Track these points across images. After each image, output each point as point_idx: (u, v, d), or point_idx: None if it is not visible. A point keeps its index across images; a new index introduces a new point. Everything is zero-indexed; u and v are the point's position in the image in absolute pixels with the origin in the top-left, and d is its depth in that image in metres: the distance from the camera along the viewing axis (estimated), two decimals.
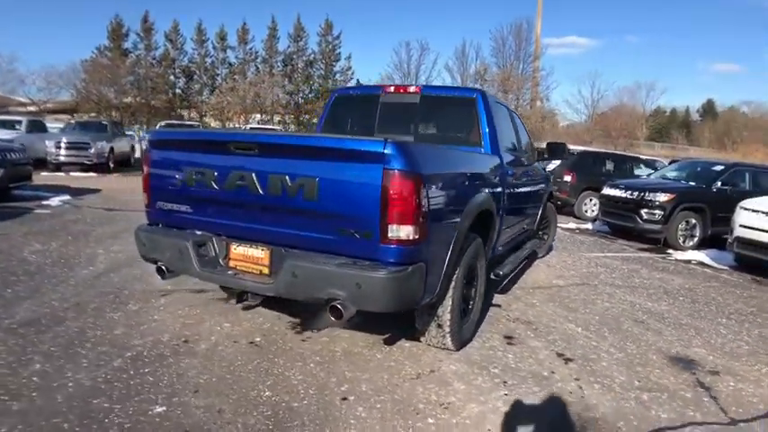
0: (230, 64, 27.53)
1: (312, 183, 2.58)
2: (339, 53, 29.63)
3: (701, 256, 7.89)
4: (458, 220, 3.05)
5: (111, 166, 14.31)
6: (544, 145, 6.18)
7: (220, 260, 3.01)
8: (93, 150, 13.25)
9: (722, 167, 8.93)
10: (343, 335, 3.60)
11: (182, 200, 3.05)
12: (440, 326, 3.24)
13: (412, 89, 4.50)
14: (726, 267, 7.16)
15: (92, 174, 13.55)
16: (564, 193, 11.76)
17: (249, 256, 2.91)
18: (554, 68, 58.97)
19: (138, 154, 18.04)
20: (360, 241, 2.55)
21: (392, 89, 4.56)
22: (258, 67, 27.67)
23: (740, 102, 59.58)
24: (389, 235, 2.49)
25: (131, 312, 3.79)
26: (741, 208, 6.75)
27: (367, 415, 2.61)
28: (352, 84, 29.42)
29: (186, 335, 3.45)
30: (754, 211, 6.50)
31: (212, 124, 23.01)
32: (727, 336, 4.25)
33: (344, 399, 2.76)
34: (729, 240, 6.93)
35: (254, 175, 2.73)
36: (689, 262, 7.53)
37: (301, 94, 28.26)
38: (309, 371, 3.05)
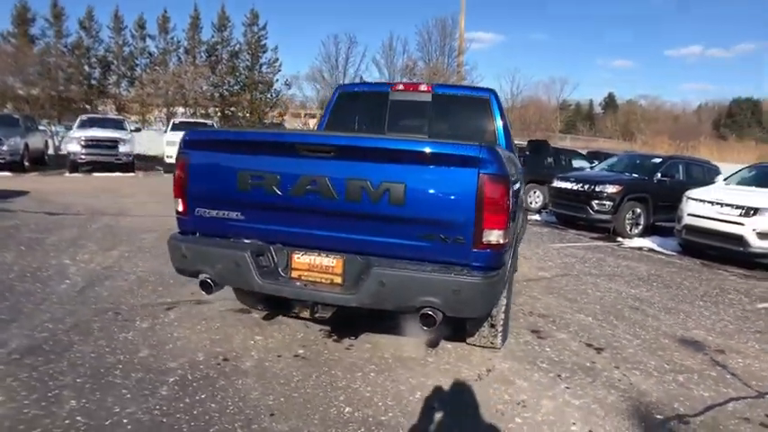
0: (150, 54, 25.56)
1: (399, 188, 2.46)
2: (265, 44, 28.64)
3: (648, 243, 8.62)
4: (516, 220, 3.08)
5: (27, 164, 12.77)
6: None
7: (280, 271, 2.79)
8: (5, 147, 11.74)
9: (660, 160, 9.81)
10: (381, 341, 3.50)
11: (231, 206, 2.78)
12: (493, 326, 3.25)
13: (423, 87, 4.45)
14: (674, 253, 7.89)
15: (5, 173, 11.99)
16: None
17: (317, 266, 2.73)
18: (477, 63, 61.15)
19: (51, 150, 16.25)
20: (450, 246, 2.49)
21: (401, 87, 4.48)
22: (181, 58, 25.99)
23: (638, 95, 65.79)
24: (483, 239, 2.45)
25: (145, 331, 3.41)
26: (688, 198, 7.46)
27: (453, 421, 2.57)
28: (278, 76, 28.56)
29: (221, 352, 3.17)
30: (700, 200, 7.21)
31: (131, 118, 21.23)
32: (710, 317, 4.69)
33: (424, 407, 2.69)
34: (678, 228, 7.64)
35: (327, 179, 2.55)
36: (641, 249, 8.21)
37: (226, 86, 26.99)
38: (373, 381, 2.94)
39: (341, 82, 29.72)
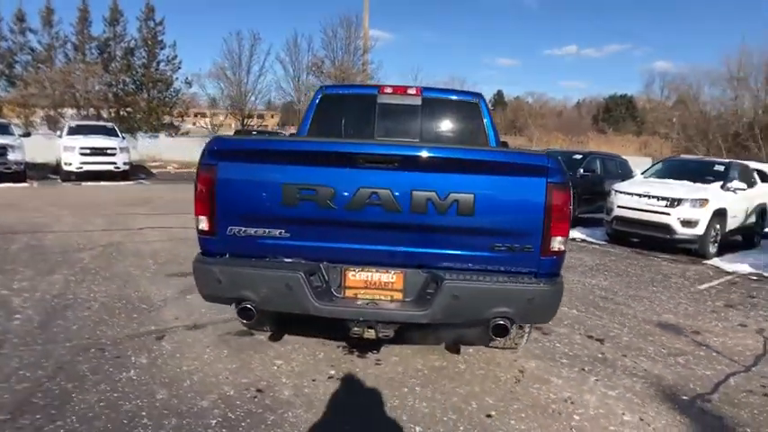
0: (32, 50, 22.41)
1: (468, 198, 2.40)
2: (163, 40, 26.58)
3: (578, 234, 9.33)
4: None
5: None
6: None
7: (333, 290, 2.58)
8: None
9: (581, 156, 10.65)
10: (405, 352, 3.41)
11: (274, 223, 2.51)
12: (521, 327, 3.30)
13: (411, 91, 4.39)
14: (604, 242, 8.62)
15: None
16: None
17: (374, 282, 2.57)
18: (383, 62, 61.88)
19: None
20: (518, 255, 2.48)
21: (390, 90, 4.38)
22: (68, 55, 23.16)
23: (525, 93, 70.85)
24: (551, 247, 2.48)
25: (147, 367, 2.99)
26: (616, 191, 8.19)
27: (526, 426, 2.57)
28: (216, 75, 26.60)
29: (249, 383, 2.88)
30: (629, 193, 7.96)
31: (14, 121, 18.45)
32: (669, 301, 5.19)
33: (489, 416, 2.66)
34: (608, 219, 8.36)
35: (391, 191, 2.41)
36: (574, 240, 8.86)
37: (121, 85, 24.66)
38: (423, 395, 2.84)
39: (245, 80, 28.60)
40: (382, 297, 2.57)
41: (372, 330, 2.53)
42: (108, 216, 8.09)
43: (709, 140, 37.35)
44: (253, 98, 28.58)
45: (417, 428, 2.50)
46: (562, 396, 2.94)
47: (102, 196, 10.67)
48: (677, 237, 7.36)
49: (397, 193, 2.41)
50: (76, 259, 5.37)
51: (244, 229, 2.53)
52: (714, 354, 3.76)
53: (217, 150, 2.52)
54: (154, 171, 17.52)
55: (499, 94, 66.35)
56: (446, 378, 3.08)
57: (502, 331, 2.48)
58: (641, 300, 5.16)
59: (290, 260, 2.58)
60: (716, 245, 7.60)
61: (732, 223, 7.90)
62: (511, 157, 2.50)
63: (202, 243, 2.65)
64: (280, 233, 2.53)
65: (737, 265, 7.03)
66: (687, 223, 7.29)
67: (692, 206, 7.38)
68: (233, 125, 28.56)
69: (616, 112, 55.89)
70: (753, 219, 8.55)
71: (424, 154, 2.45)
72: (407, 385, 2.96)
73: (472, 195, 2.40)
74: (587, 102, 63.72)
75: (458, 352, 3.48)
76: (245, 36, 28.38)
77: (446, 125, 4.39)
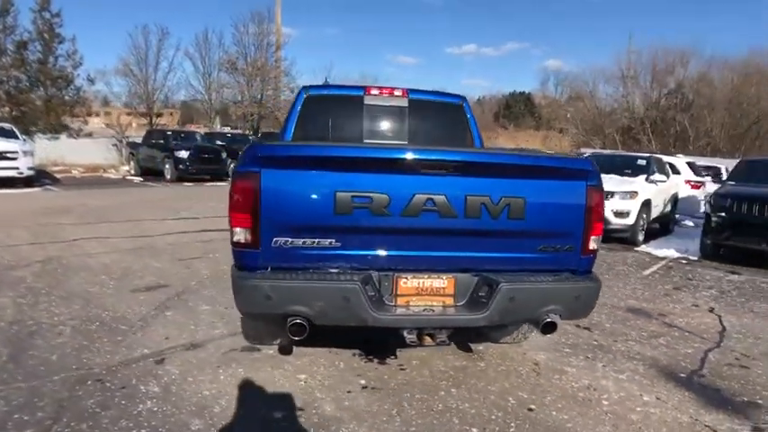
0: None
1: (519, 202, 2.46)
2: (60, 33, 24.06)
3: None
4: None
5: None
6: None
7: (385, 298, 2.51)
8: None
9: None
10: (421, 354, 3.40)
11: (325, 233, 2.39)
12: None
13: (398, 92, 4.38)
14: None
15: None
16: None
17: (426, 288, 2.54)
18: (296, 59, 60.50)
19: None
20: (562, 255, 2.59)
21: (376, 91, 4.34)
22: None
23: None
24: (589, 246, 2.61)
25: (164, 396, 2.72)
26: None
27: (568, 416, 2.69)
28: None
29: (283, 402, 2.72)
30: None
31: None
32: (625, 288, 5.65)
33: (530, 410, 2.75)
34: None
35: (446, 197, 2.40)
36: None
37: (13, 82, 21.98)
38: (461, 396, 2.87)
39: (153, 77, 26.78)
40: (434, 303, 2.55)
41: (430, 337, 2.51)
42: (29, 228, 7.19)
43: (604, 135, 40.98)
44: (162, 96, 26.80)
45: (474, 430, 2.53)
46: (583, 384, 3.11)
47: (10, 206, 9.43)
48: (611, 227, 8.02)
49: (452, 199, 2.41)
50: (15, 278, 4.72)
51: (291, 240, 2.38)
52: (686, 333, 4.17)
53: (261, 157, 2.35)
54: (58, 176, 15.80)
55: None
56: (473, 377, 3.13)
57: (551, 328, 2.58)
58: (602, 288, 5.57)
59: (335, 270, 2.48)
60: (643, 233, 8.42)
61: (654, 212, 8.79)
62: (557, 161, 2.62)
63: (240, 256, 2.45)
64: (330, 243, 2.41)
65: (665, 250, 7.84)
66: (620, 214, 8.00)
67: (622, 198, 8.10)
68: (134, 125, 26.62)
69: (516, 109, 58.90)
70: (669, 208, 9.58)
71: (479, 159, 2.47)
72: (441, 388, 2.97)
73: (523, 199, 2.47)
74: (488, 99, 66.90)
75: (470, 350, 3.55)
76: (152, 30, 26.51)
77: (433, 127, 4.44)
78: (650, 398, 2.97)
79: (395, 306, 2.52)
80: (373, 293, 2.45)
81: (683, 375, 3.32)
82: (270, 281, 2.37)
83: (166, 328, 3.70)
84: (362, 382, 3.00)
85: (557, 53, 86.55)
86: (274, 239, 2.38)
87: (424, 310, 2.52)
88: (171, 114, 38.56)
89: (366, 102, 4.29)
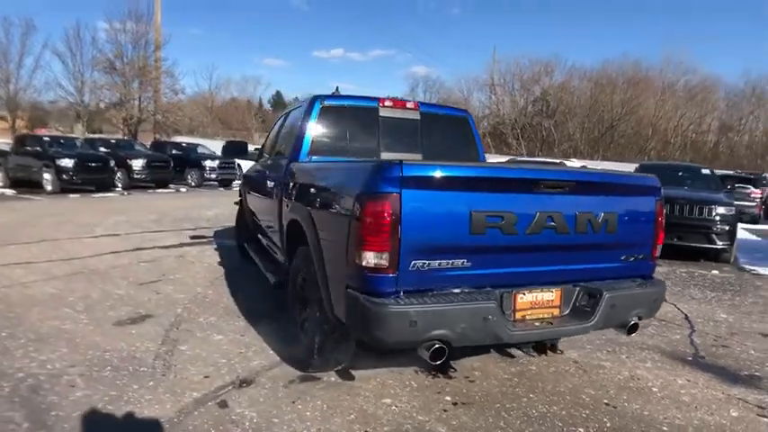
0: None
1: (614, 217, 2.69)
2: None
3: None
4: None
5: None
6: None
7: (507, 314, 2.54)
8: None
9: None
10: (473, 363, 3.50)
11: (458, 253, 2.36)
12: None
13: (410, 105, 4.41)
14: None
15: None
16: None
17: (539, 302, 2.62)
18: (178, 60, 55.72)
19: None
20: (637, 263, 2.89)
21: (390, 103, 4.33)
22: None
23: (305, 94, 72.47)
24: (655, 253, 2.94)
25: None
26: None
27: (639, 406, 2.98)
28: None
29: (392, 429, 2.61)
30: None
31: None
32: None
33: (607, 404, 2.98)
34: None
35: (562, 214, 2.53)
36: None
37: None
38: (542, 400, 3.01)
39: (14, 75, 23.14)
40: (545, 315, 2.66)
41: (551, 348, 2.63)
42: None
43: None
44: (25, 96, 23.33)
45: (581, 430, 2.69)
46: (626, 375, 3.45)
47: None
48: None
49: (566, 216, 2.55)
50: None
51: (427, 262, 2.32)
52: (663, 322, 4.78)
53: (402, 177, 2.25)
54: None
55: (278, 94, 65.11)
56: (537, 380, 3.29)
57: (635, 329, 2.85)
58: None
59: (467, 290, 2.47)
60: None
61: None
62: (639, 180, 2.91)
63: (373, 282, 2.31)
64: (462, 263, 2.39)
65: None
66: None
67: None
68: None
69: None
70: None
71: (588, 179, 2.66)
72: (520, 395, 3.08)
73: (615, 214, 2.70)
74: None
75: (510, 356, 3.72)
76: (14, 23, 22.89)
77: (443, 139, 4.54)
78: (683, 381, 3.41)
79: (514, 321, 2.58)
80: (504, 311, 2.49)
81: (690, 359, 3.85)
82: (416, 306, 2.27)
83: (195, 365, 3.30)
84: (448, 398, 3.00)
85: (422, 60, 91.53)
86: (412, 263, 2.30)
87: (541, 323, 2.62)
88: (17, 120, 33.11)
89: (381, 114, 4.25)
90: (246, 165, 21.70)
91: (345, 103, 4.22)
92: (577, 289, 2.73)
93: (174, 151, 18.57)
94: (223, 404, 2.81)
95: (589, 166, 12.55)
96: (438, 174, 2.31)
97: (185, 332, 3.87)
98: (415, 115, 4.38)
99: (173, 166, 16.63)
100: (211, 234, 8.34)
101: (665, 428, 2.77)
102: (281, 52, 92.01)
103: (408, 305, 2.27)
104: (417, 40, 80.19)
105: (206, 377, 3.13)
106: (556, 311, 2.71)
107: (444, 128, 4.56)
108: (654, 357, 3.82)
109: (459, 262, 2.39)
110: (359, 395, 2.99)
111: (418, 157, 4.36)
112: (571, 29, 69.62)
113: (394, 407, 2.87)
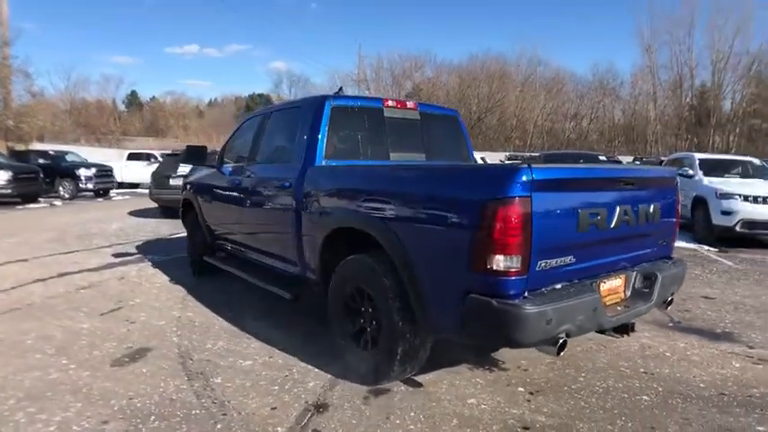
0: None
1: (656, 207, 3.06)
2: None
3: None
4: None
5: None
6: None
7: None
8: None
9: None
10: (512, 355, 3.66)
11: (568, 251, 2.49)
12: None
13: (410, 104, 4.41)
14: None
15: None
16: None
17: (612, 288, 2.84)
18: (31, 57, 46.88)
19: None
20: (664, 246, 3.31)
21: (393, 103, 4.28)
22: None
23: (164, 93, 67.06)
24: (675, 239, 3.39)
25: None
26: (731, 194, 8.65)
27: (677, 370, 3.39)
28: None
29: (510, 427, 2.66)
30: (750, 196, 8.48)
31: None
32: None
33: (647, 373, 3.35)
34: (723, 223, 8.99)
35: (631, 207, 2.81)
36: None
37: None
38: (635, 387, 3.26)
39: None
40: (616, 300, 2.90)
41: (631, 329, 2.90)
42: None
43: None
44: None
45: (645, 397, 3.00)
46: (638, 346, 3.88)
47: None
48: None
49: (634, 210, 2.84)
50: None
51: (547, 261, 2.41)
52: None
53: (531, 181, 2.29)
54: None
55: (133, 95, 59.22)
56: (573, 361, 3.55)
57: (671, 304, 3.26)
58: None
59: (559, 285, 2.59)
60: None
61: None
62: (668, 173, 3.31)
63: (503, 285, 2.32)
64: (570, 260, 2.52)
65: None
66: None
67: None
68: None
69: (255, 109, 59.19)
70: None
71: (647, 175, 3.02)
72: (570, 375, 3.32)
73: (658, 204, 3.07)
74: (221, 101, 65.55)
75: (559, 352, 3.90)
76: None
77: (440, 138, 4.64)
78: (683, 344, 3.94)
79: (605, 308, 2.78)
80: None
81: (671, 325, 4.45)
82: (549, 305, 2.34)
83: (249, 398, 2.98)
84: (521, 389, 3.12)
85: (284, 56, 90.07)
86: (539, 263, 2.37)
87: (621, 308, 2.85)
88: None
89: (386, 114, 4.20)
90: (133, 171, 19.60)
91: (353, 103, 4.08)
92: (635, 273, 3.03)
93: (40, 160, 16.02)
94: (313, 424, 2.61)
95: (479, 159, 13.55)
96: (558, 176, 2.41)
97: (205, 363, 3.47)
98: (416, 115, 4.40)
99: (42, 178, 14.34)
100: (134, 250, 7.44)
101: (702, 385, 3.21)
102: (130, 49, 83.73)
103: (543, 304, 2.34)
104: (277, 35, 78.36)
105: (273, 408, 2.86)
106: (622, 296, 2.97)
107: (440, 127, 4.64)
108: (645, 328, 4.34)
109: (567, 259, 2.52)
110: (441, 400, 2.98)
111: (422, 156, 4.40)
112: (439, 25, 73.78)
113: (483, 405, 2.92)
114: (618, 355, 3.67)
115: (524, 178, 2.29)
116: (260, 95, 61.99)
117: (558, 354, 2.47)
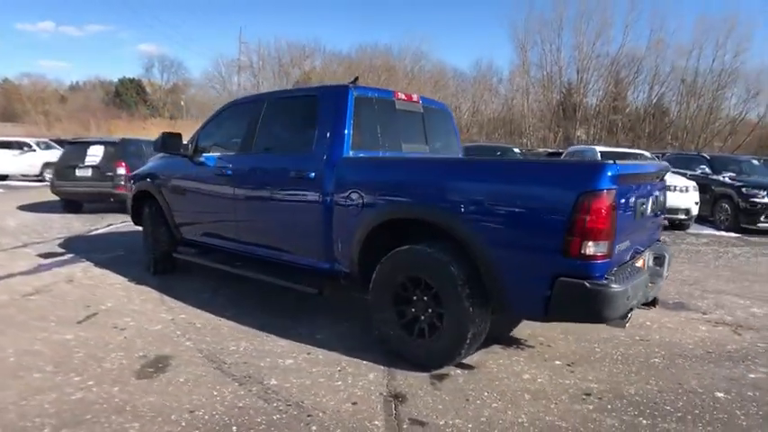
0: None
1: (663, 196, 3.57)
2: None
3: None
4: None
5: None
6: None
7: None
8: None
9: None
10: (522, 334, 4.01)
11: (628, 236, 2.85)
12: None
13: (414, 97, 4.49)
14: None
15: None
16: (120, 188, 10.05)
17: (639, 267, 3.27)
18: None
19: None
20: (657, 230, 3.85)
21: (402, 96, 4.33)
22: None
23: (19, 74, 58.10)
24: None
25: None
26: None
27: (665, 335, 3.98)
28: None
29: (610, 397, 2.94)
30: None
31: None
32: None
33: (643, 340, 3.89)
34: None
35: (656, 197, 3.32)
36: None
37: None
38: (684, 368, 3.73)
39: None
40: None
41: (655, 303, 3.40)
42: None
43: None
44: None
45: (656, 360, 3.50)
46: (647, 318, 4.45)
47: None
48: None
49: (658, 198, 3.33)
50: None
51: (620, 245, 2.75)
52: None
53: (616, 175, 2.60)
54: None
55: None
56: (582, 333, 4.00)
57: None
58: None
59: (616, 267, 2.94)
60: None
61: None
62: (665, 166, 3.82)
63: (595, 268, 2.61)
64: (627, 244, 2.90)
65: None
66: None
67: None
68: None
69: (127, 96, 54.47)
70: None
71: (659, 169, 3.47)
72: (593, 348, 3.73)
73: (663, 194, 3.61)
74: (84, 85, 58.87)
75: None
76: None
77: (438, 131, 4.79)
78: (653, 315, 4.57)
79: None
80: None
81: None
82: (627, 283, 2.67)
83: (320, 396, 2.89)
84: (558, 362, 3.42)
85: (151, 38, 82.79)
86: (616, 248, 2.68)
87: (650, 283, 3.28)
88: None
89: (397, 107, 4.26)
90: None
91: (371, 94, 4.06)
92: (648, 254, 3.50)
93: None
94: (415, 422, 2.66)
95: None
96: (630, 171, 2.76)
97: (243, 365, 3.27)
98: (419, 109, 4.50)
99: None
100: (60, 249, 6.55)
101: (690, 347, 3.82)
102: None
103: (623, 283, 2.67)
104: (145, 14, 71.38)
105: (354, 404, 2.82)
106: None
107: (437, 120, 4.79)
108: (668, 312, 4.84)
109: (627, 243, 2.90)
110: (501, 378, 3.17)
111: (426, 149, 4.53)
112: (328, 14, 72.89)
113: (539, 379, 3.17)
114: (610, 328, 4.17)
115: (610, 173, 2.58)
116: (131, 80, 56.32)
117: (626, 322, 2.83)
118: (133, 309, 4.32)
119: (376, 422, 2.63)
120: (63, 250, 6.46)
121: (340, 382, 3.06)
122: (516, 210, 2.81)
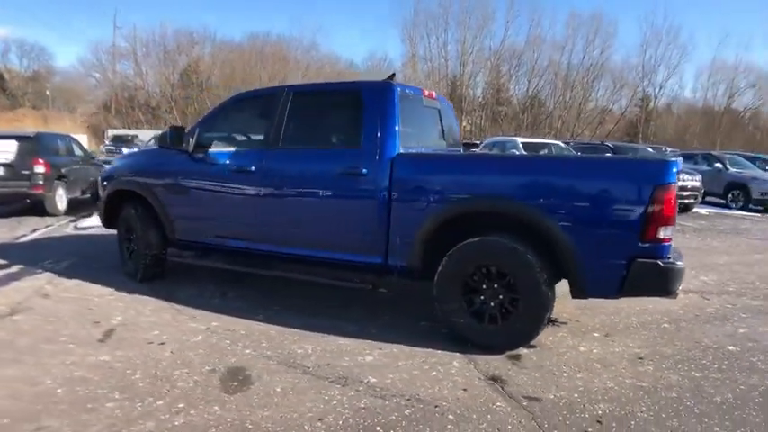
0: None
1: None
2: None
3: None
4: None
5: None
6: None
7: None
8: None
9: None
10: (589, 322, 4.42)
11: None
12: None
13: (434, 94, 4.64)
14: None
15: None
16: (38, 188, 8.80)
17: None
18: None
19: None
20: None
21: (427, 93, 4.46)
22: None
23: None
24: None
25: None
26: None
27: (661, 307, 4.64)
28: None
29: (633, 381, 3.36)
30: None
31: None
32: None
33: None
34: None
35: None
36: None
37: None
38: (638, 318, 4.28)
39: None
40: None
41: None
42: None
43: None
44: None
45: (682, 322, 4.11)
46: None
47: None
48: None
49: None
50: None
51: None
52: None
53: (677, 170, 3.09)
54: None
55: None
56: (598, 311, 4.51)
57: None
58: None
59: None
60: None
61: None
62: None
63: (665, 250, 3.08)
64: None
65: None
66: None
67: None
68: None
69: None
70: None
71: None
72: (624, 322, 4.25)
73: None
74: None
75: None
76: None
77: (450, 126, 5.00)
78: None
79: None
80: None
81: None
82: (682, 261, 3.17)
83: (432, 387, 2.99)
84: (596, 334, 3.87)
85: (4, 19, 71.69)
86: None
87: None
88: None
89: (424, 104, 4.39)
90: None
91: (412, 91, 4.14)
92: None
93: None
94: (531, 399, 2.86)
95: None
96: (679, 167, 3.21)
97: (327, 368, 3.20)
98: (437, 105, 4.67)
99: None
100: (3, 261, 5.60)
101: (681, 312, 4.51)
102: None
103: (681, 260, 3.17)
104: None
105: (464, 390, 2.95)
106: None
107: (448, 116, 4.99)
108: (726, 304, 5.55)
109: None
110: (566, 352, 3.51)
111: (443, 144, 4.72)
112: (217, 1, 67.98)
113: (594, 350, 3.56)
114: (613, 302, 4.74)
115: (675, 169, 3.06)
116: None
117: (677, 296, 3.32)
118: (151, 321, 3.93)
119: (498, 404, 2.80)
120: (6, 261, 5.52)
121: (434, 373, 3.16)
122: (598, 202, 3.15)
